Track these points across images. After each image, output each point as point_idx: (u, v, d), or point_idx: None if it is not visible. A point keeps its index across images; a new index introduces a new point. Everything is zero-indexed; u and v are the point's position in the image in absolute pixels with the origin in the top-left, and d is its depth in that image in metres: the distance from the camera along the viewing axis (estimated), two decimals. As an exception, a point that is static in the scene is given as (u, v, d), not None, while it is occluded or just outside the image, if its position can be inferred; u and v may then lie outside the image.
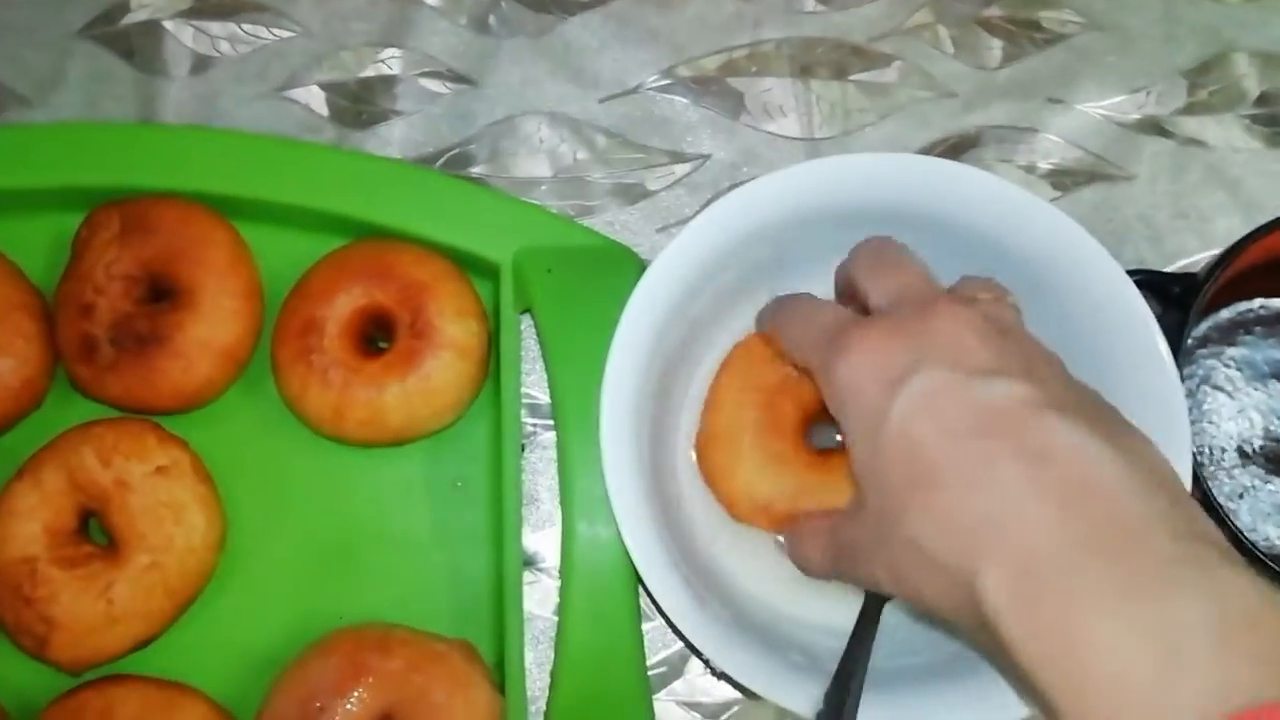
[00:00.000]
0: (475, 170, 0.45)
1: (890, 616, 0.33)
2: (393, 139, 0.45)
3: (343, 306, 0.39)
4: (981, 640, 0.26)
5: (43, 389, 0.41)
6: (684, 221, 0.44)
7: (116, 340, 0.39)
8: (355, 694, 0.36)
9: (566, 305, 0.38)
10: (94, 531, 0.40)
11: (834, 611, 0.36)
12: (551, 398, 0.37)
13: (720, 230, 0.36)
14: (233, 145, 0.42)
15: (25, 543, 0.38)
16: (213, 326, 0.39)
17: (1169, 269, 0.43)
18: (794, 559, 0.35)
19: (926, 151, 0.45)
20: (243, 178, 0.41)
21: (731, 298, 0.39)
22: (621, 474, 0.34)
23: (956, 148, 0.45)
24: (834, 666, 0.32)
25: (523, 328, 0.42)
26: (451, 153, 0.45)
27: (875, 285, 0.32)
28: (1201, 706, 0.21)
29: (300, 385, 0.39)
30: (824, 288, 0.39)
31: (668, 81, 0.45)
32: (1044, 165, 0.45)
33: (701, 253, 0.36)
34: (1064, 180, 0.45)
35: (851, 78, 0.45)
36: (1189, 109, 0.45)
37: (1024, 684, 0.24)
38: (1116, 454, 0.25)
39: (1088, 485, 0.24)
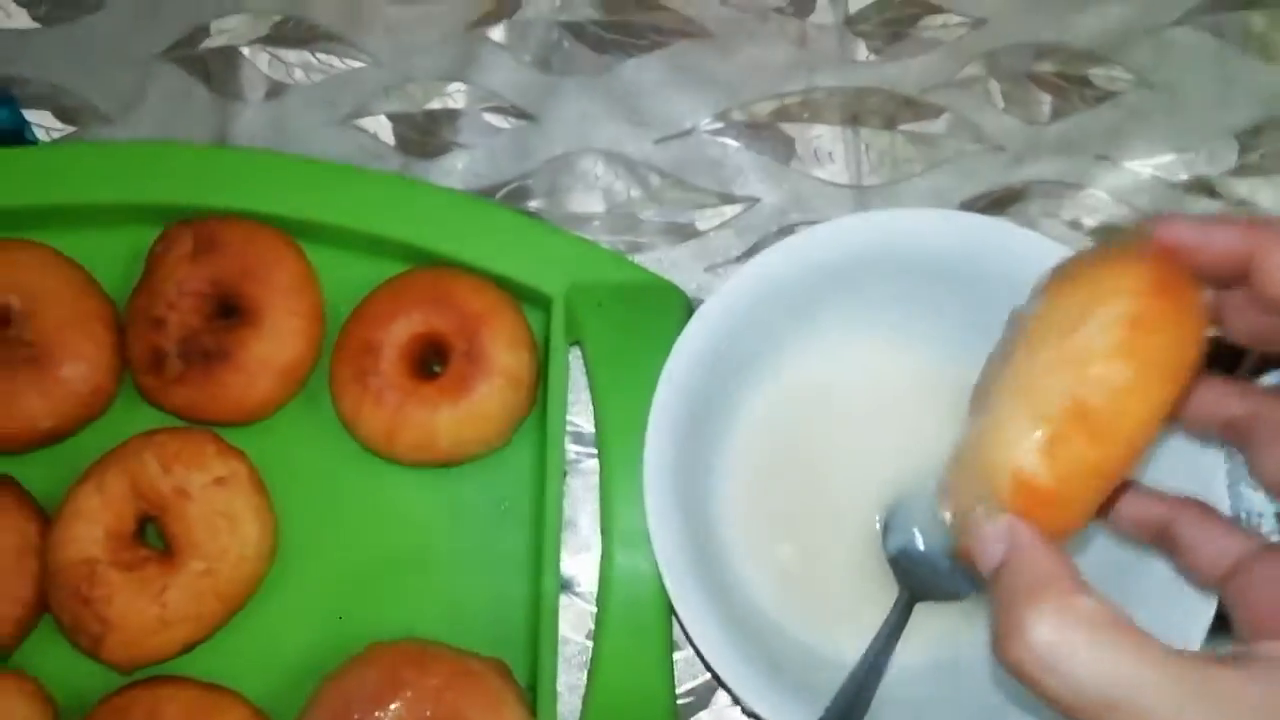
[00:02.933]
0: (532, 204, 0.46)
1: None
2: (455, 170, 0.47)
3: (400, 331, 0.41)
4: None
5: (110, 396, 0.42)
6: (731, 262, 0.45)
7: (184, 354, 0.41)
8: (391, 707, 0.37)
9: (615, 339, 0.40)
10: (150, 536, 0.42)
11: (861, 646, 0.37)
12: (596, 428, 0.39)
13: (769, 275, 0.37)
14: (302, 170, 0.43)
15: (86, 545, 0.39)
16: (276, 345, 0.41)
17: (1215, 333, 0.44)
18: (1051, 654, 0.23)
19: (971, 204, 0.45)
20: (310, 202, 0.43)
21: (773, 340, 0.40)
22: (662, 507, 0.35)
23: (1001, 201, 0.45)
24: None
25: (570, 358, 0.43)
26: (510, 186, 0.47)
27: None
28: None
29: (355, 405, 0.40)
30: (863, 332, 0.40)
31: (721, 125, 0.47)
32: (1089, 221, 0.45)
33: (749, 297, 0.38)
34: (1109, 238, 0.45)
35: (901, 128, 0.46)
36: (1240, 170, 0.46)
37: None
38: None
39: None
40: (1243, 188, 0.45)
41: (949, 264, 0.38)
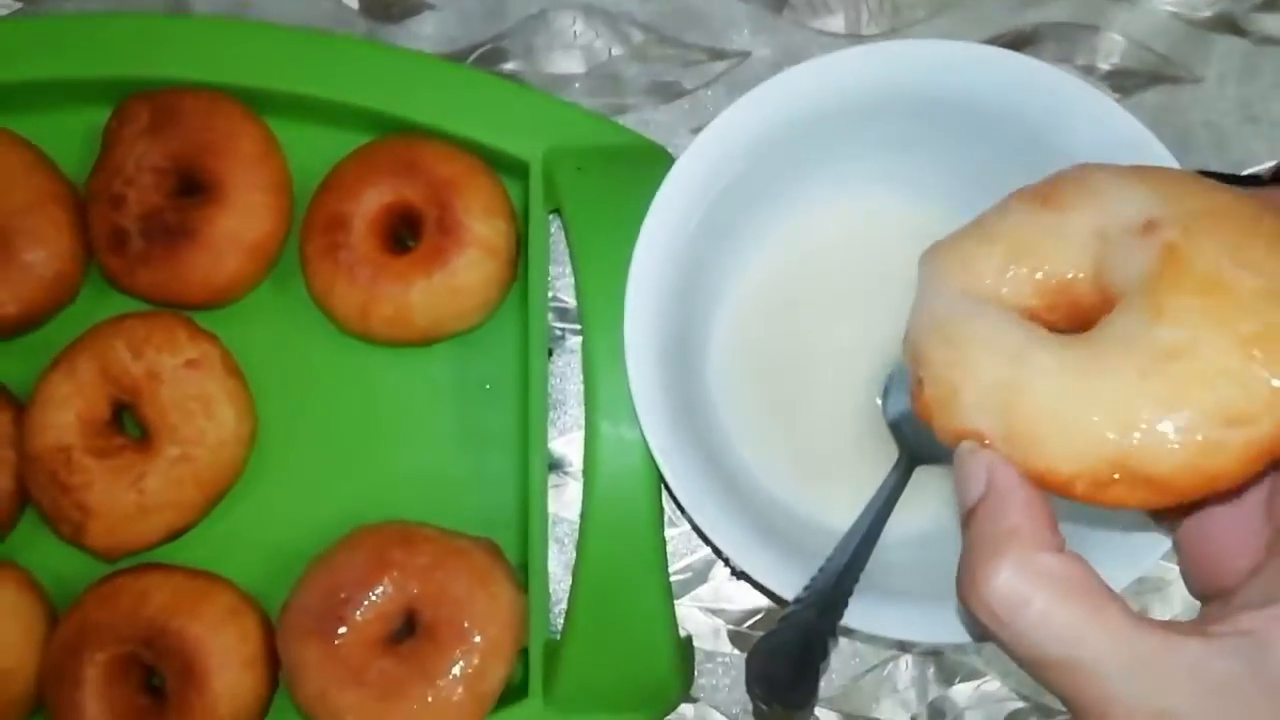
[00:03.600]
0: (507, 67, 0.43)
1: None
2: (424, 33, 0.44)
3: (370, 203, 0.39)
4: None
5: (76, 281, 0.41)
6: (721, 122, 0.43)
7: (146, 232, 0.39)
8: (379, 587, 0.37)
9: (596, 205, 0.37)
10: (128, 425, 0.40)
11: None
12: (578, 298, 0.37)
13: (751, 122, 0.34)
14: (263, 37, 0.41)
15: (60, 431, 0.38)
16: (242, 220, 0.39)
17: (1234, 177, 0.41)
18: (1007, 606, 0.22)
19: (979, 50, 0.42)
20: (272, 71, 0.40)
21: (761, 199, 0.37)
22: (645, 376, 0.33)
23: (1012, 45, 0.42)
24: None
25: (552, 229, 0.41)
26: (484, 48, 0.44)
27: None
28: None
29: (327, 281, 0.39)
30: (859, 187, 0.37)
31: (708, -26, 0.43)
32: (1104, 66, 0.42)
33: (730, 147, 0.35)
34: (1125, 82, 0.42)
35: (902, -29, 0.43)
36: (1267, 4, 0.42)
37: None
38: None
39: None
40: (1269, 23, 0.42)
41: (958, 105, 0.35)
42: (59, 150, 0.42)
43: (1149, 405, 0.21)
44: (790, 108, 0.34)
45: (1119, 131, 0.33)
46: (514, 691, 0.38)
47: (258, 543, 0.40)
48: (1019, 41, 0.42)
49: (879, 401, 0.38)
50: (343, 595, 0.36)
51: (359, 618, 0.36)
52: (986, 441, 0.23)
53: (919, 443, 0.36)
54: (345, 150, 0.41)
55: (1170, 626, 0.21)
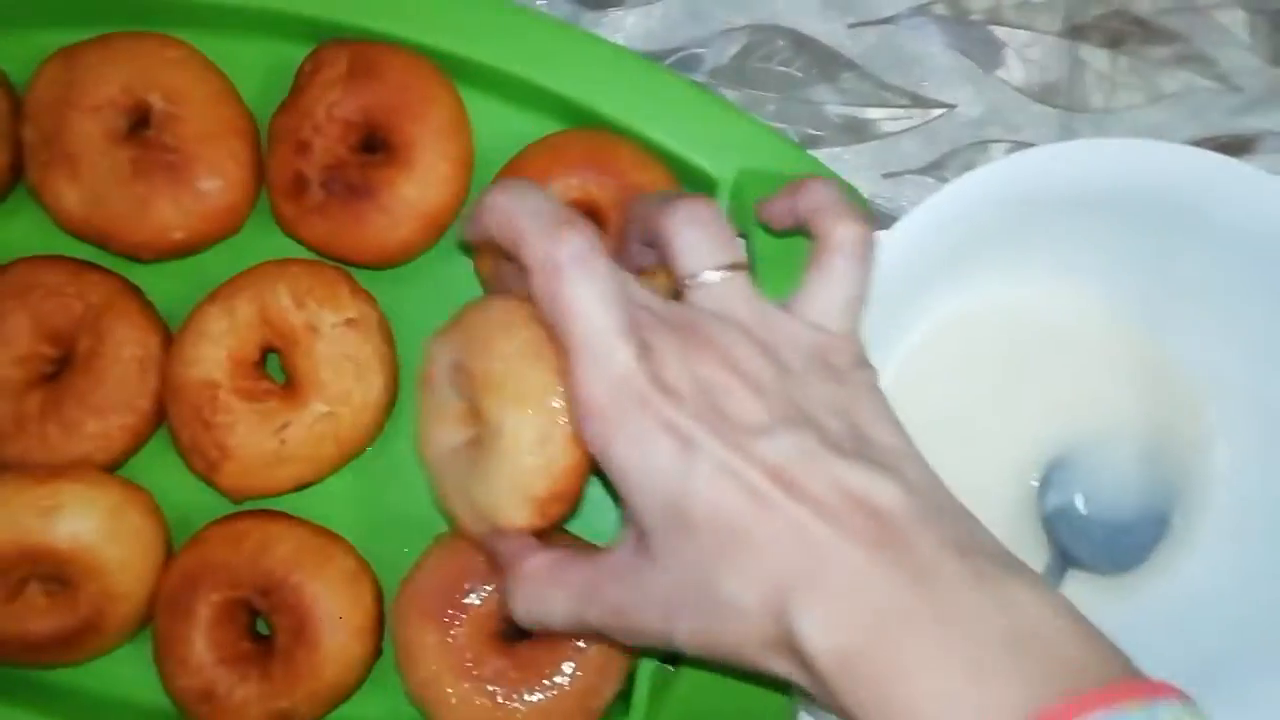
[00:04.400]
0: (700, 76, 0.43)
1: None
2: (623, 26, 0.43)
3: (556, 193, 0.38)
4: (797, 678, 0.26)
5: (244, 216, 0.40)
6: (913, 172, 0.42)
7: (327, 184, 0.38)
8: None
9: (787, 238, 0.37)
10: (272, 369, 0.40)
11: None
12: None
13: (968, 201, 0.34)
14: (468, 4, 0.40)
15: (209, 367, 0.38)
16: (424, 188, 0.38)
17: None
18: (524, 607, 0.30)
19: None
20: (471, 38, 0.40)
21: (950, 269, 0.37)
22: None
23: (1227, 149, 0.41)
24: None
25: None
26: (681, 53, 0.43)
27: (687, 253, 0.30)
28: (1007, 715, 0.23)
29: (498, 263, 0.38)
30: (1046, 274, 0.36)
31: (925, 18, 0.42)
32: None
33: (942, 221, 0.34)
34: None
35: (1125, 49, 0.42)
36: None
37: (841, 711, 0.25)
38: (891, 479, 0.26)
39: (880, 518, 0.25)
40: None
41: (1163, 205, 0.34)
42: (241, 80, 0.41)
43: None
44: (1011, 189, 0.34)
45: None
46: (614, 709, 0.38)
47: (377, 509, 0.40)
48: (1235, 145, 0.41)
49: (1034, 484, 0.37)
50: (466, 585, 0.36)
51: (478, 610, 0.36)
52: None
53: (1074, 544, 0.35)
54: (528, 132, 0.40)
55: (627, 554, 0.29)
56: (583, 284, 0.28)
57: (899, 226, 0.33)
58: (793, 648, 0.25)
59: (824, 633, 0.24)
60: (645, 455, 0.27)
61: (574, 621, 0.29)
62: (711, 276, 0.29)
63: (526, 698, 0.36)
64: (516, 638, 0.37)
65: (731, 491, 0.26)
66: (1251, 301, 0.35)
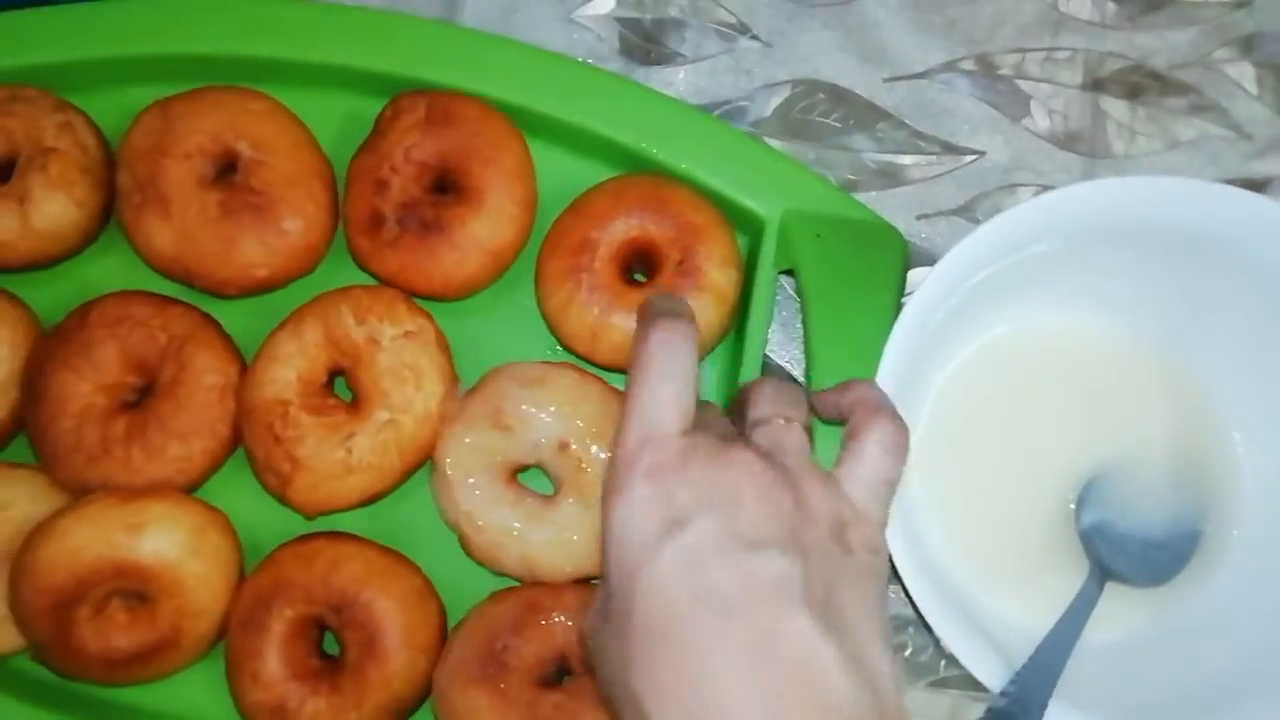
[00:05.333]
0: (744, 127, 0.45)
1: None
2: (674, 81, 0.46)
3: (616, 233, 0.41)
4: None
5: (321, 253, 0.43)
6: (945, 213, 0.44)
7: (401, 220, 0.41)
8: (533, 632, 0.38)
9: (833, 273, 0.39)
10: (339, 390, 0.42)
11: (1033, 615, 0.37)
12: (806, 358, 0.38)
13: (1016, 229, 0.36)
14: (531, 57, 0.43)
15: (281, 387, 0.40)
16: (492, 227, 0.41)
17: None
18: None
19: (1209, 190, 0.43)
20: (536, 91, 0.43)
21: (989, 300, 0.39)
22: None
23: (1242, 192, 0.43)
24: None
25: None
26: (727, 106, 0.46)
27: (760, 404, 0.33)
28: None
29: (565, 300, 0.40)
30: (1080, 305, 0.38)
31: (955, 73, 0.45)
32: (1330, 226, 0.43)
33: (985, 252, 0.36)
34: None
35: (1143, 100, 0.45)
36: None
37: None
38: (839, 652, 0.26)
39: (805, 677, 0.26)
40: None
41: (1191, 240, 0.36)
42: (320, 129, 0.44)
43: None
44: (1049, 223, 0.36)
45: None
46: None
47: (443, 531, 0.42)
48: (1247, 189, 0.43)
49: (1072, 507, 0.39)
50: (500, 643, 0.38)
51: (519, 660, 0.38)
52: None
53: (1111, 558, 0.37)
54: (586, 178, 0.43)
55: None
56: (660, 351, 0.31)
57: (944, 260, 0.35)
58: None
59: None
60: (632, 515, 0.28)
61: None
62: (776, 420, 0.32)
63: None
64: (558, 679, 0.39)
65: (690, 587, 0.26)
66: (1275, 330, 0.37)
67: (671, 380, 0.30)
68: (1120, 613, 0.37)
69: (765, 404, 0.32)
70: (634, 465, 0.29)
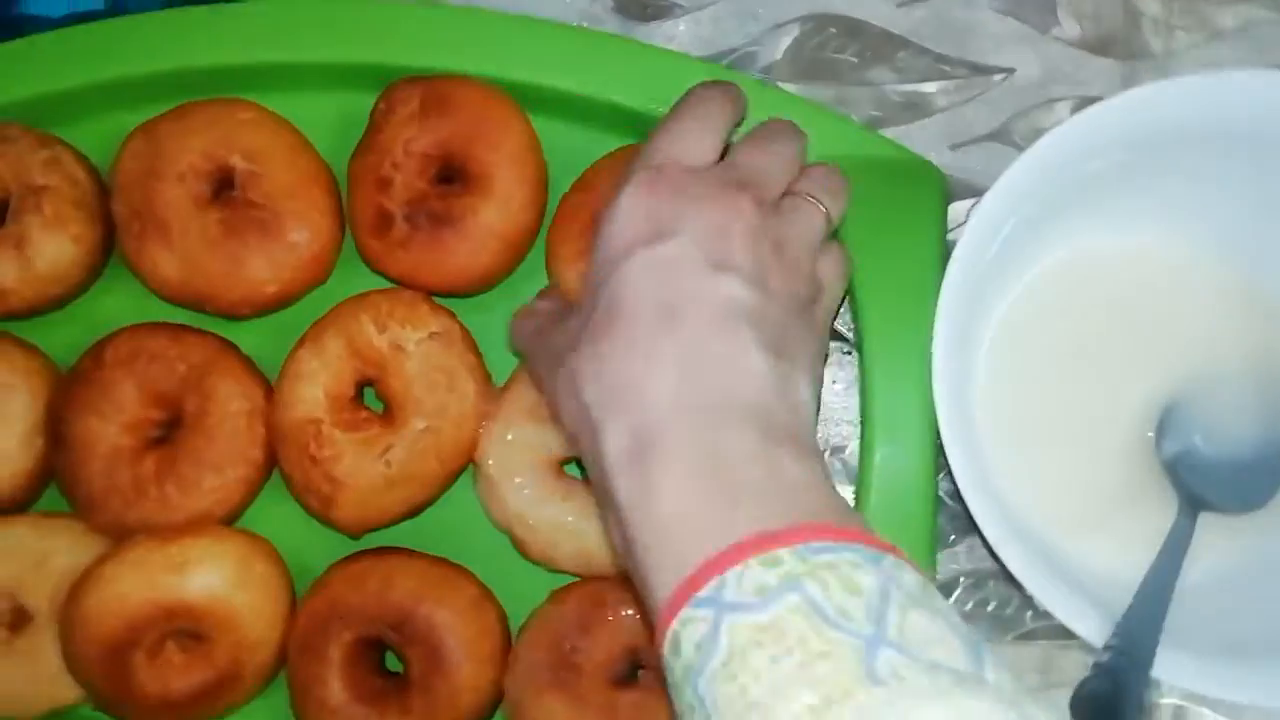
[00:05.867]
0: (756, 74, 0.43)
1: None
2: (676, 34, 0.44)
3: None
4: (599, 491, 0.29)
5: (332, 262, 0.41)
6: (981, 139, 0.42)
7: (411, 217, 0.39)
8: (600, 629, 0.37)
9: (874, 218, 0.37)
10: (370, 401, 0.41)
11: (1120, 557, 0.35)
12: (854, 309, 0.36)
13: (1054, 159, 0.34)
14: (524, 30, 0.41)
15: (310, 406, 0.39)
16: (504, 213, 0.39)
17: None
18: (511, 327, 0.38)
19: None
20: (533, 64, 0.40)
21: (1048, 225, 0.36)
22: (950, 402, 0.32)
23: (1296, 76, 0.40)
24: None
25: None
26: (735, 54, 0.43)
27: (743, 147, 0.35)
28: (737, 534, 0.25)
29: (578, 280, 0.38)
30: (1149, 218, 0.36)
31: (973, -13, 0.42)
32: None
33: (1031, 180, 0.34)
34: None
35: (1180, -8, 0.42)
36: None
37: (620, 531, 0.28)
38: (770, 371, 0.29)
39: (727, 372, 0.28)
40: None
41: (1262, 138, 0.34)
42: (314, 132, 0.42)
43: None
44: (1095, 140, 0.33)
45: None
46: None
47: (494, 535, 0.41)
48: (1304, 72, 0.40)
49: (1150, 436, 0.37)
50: (568, 644, 0.37)
51: (590, 660, 0.37)
52: None
53: (1201, 486, 0.35)
54: (596, 149, 0.41)
55: None
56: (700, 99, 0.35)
57: (997, 185, 0.33)
58: (596, 448, 0.28)
59: (616, 454, 0.28)
60: (623, 220, 0.31)
61: (522, 344, 0.37)
62: (808, 198, 0.34)
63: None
64: (632, 676, 0.37)
65: (653, 287, 0.29)
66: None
67: (700, 119, 0.34)
68: (1215, 544, 0.35)
69: (813, 182, 0.35)
70: (638, 179, 0.32)
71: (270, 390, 0.40)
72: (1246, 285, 0.37)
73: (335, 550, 0.40)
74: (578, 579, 0.39)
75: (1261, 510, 0.35)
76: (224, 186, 0.41)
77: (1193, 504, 0.34)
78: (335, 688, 0.38)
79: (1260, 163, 0.35)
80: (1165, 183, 0.36)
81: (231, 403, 0.40)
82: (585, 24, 0.44)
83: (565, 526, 0.38)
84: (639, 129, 0.41)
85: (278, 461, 0.40)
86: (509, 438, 0.38)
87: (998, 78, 0.42)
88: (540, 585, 0.39)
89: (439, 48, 0.41)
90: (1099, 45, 0.42)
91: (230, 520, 0.40)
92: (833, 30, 0.43)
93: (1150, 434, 0.37)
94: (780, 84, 0.43)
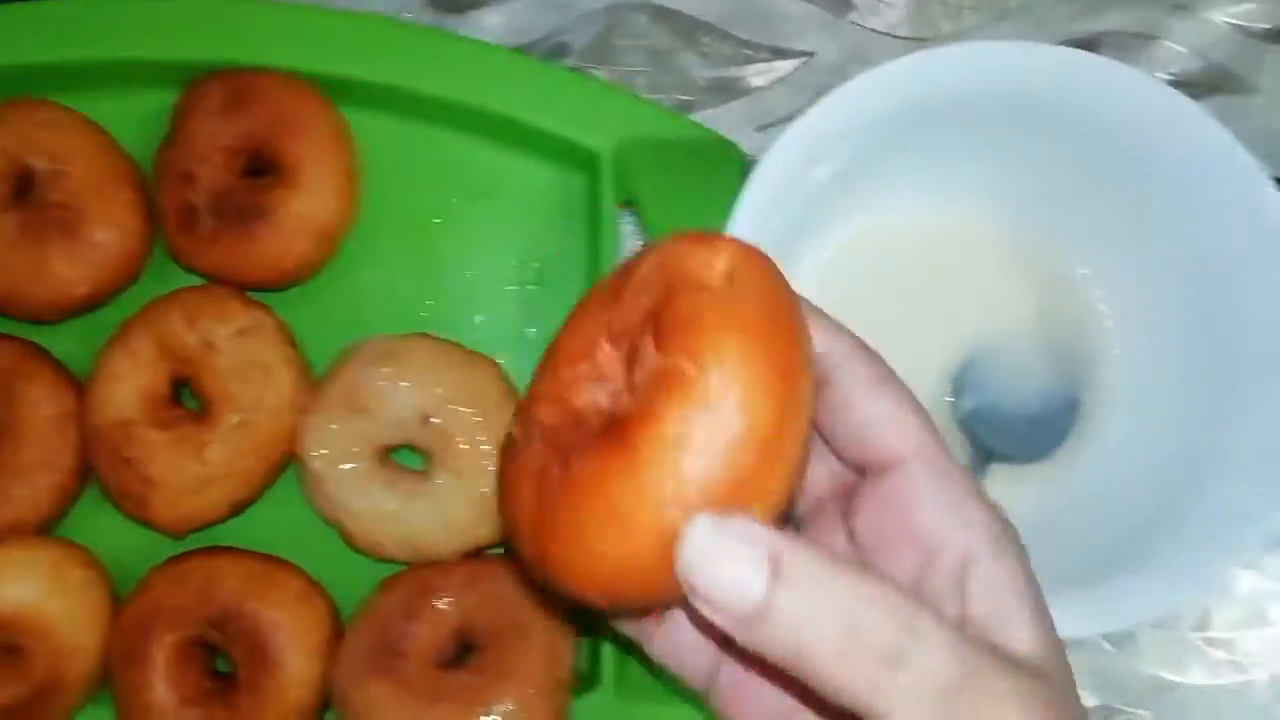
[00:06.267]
0: (569, 62, 0.44)
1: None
2: (488, 25, 0.44)
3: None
4: None
5: (141, 261, 0.41)
6: (785, 120, 0.43)
7: (217, 211, 0.39)
8: (426, 614, 0.37)
9: (673, 197, 0.38)
10: (186, 400, 0.40)
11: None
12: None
13: (830, 125, 0.35)
14: (331, 23, 0.41)
15: (121, 407, 0.38)
16: (314, 203, 0.39)
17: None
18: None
19: (1040, 56, 0.43)
20: (342, 57, 0.40)
21: (832, 196, 0.38)
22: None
23: (1072, 53, 0.43)
24: None
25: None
26: (547, 43, 0.44)
27: None
28: None
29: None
30: (931, 190, 0.38)
31: (773, -27, 0.44)
32: (1162, 75, 0.43)
33: (809, 150, 0.35)
34: (1183, 92, 0.43)
35: (965, -24, 0.44)
36: (1320, 20, 0.43)
37: None
38: None
39: None
40: (1324, 38, 0.43)
41: (1033, 108, 0.35)
42: (121, 131, 0.41)
43: None
44: (876, 106, 0.35)
45: (1208, 143, 0.33)
46: (585, 681, 0.38)
47: (321, 530, 0.40)
48: (1079, 49, 0.43)
49: (948, 400, 0.39)
50: (393, 629, 0.37)
51: (415, 645, 0.37)
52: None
53: (991, 438, 0.37)
54: (411, 139, 0.41)
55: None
56: None
57: (760, 165, 0.34)
58: None
59: None
60: None
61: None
62: None
63: (502, 693, 0.36)
64: (461, 658, 0.37)
65: None
66: (1121, 189, 0.37)
67: None
68: (1003, 493, 0.37)
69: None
70: None
71: (82, 394, 0.40)
72: (1033, 251, 0.39)
73: (163, 554, 0.39)
74: (408, 567, 0.39)
75: (1046, 460, 0.37)
76: (25, 188, 0.40)
77: (983, 456, 0.36)
78: (160, 691, 0.37)
79: (1038, 135, 0.37)
80: (954, 155, 0.38)
81: (38, 407, 0.39)
82: (399, 14, 0.44)
83: (389, 515, 0.38)
84: (450, 119, 0.41)
85: (93, 467, 0.39)
86: (329, 428, 0.38)
87: (799, 61, 0.44)
88: (372, 576, 0.39)
89: (246, 42, 0.40)
90: (893, 28, 0.44)
91: (47, 528, 0.39)
92: (642, 17, 0.44)
93: (948, 398, 0.39)
94: (592, 69, 0.44)
